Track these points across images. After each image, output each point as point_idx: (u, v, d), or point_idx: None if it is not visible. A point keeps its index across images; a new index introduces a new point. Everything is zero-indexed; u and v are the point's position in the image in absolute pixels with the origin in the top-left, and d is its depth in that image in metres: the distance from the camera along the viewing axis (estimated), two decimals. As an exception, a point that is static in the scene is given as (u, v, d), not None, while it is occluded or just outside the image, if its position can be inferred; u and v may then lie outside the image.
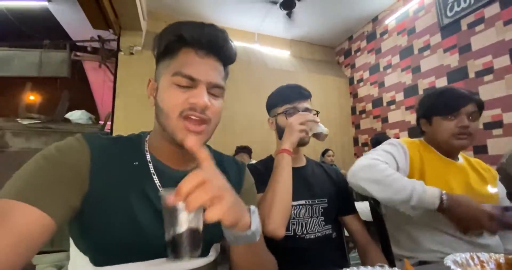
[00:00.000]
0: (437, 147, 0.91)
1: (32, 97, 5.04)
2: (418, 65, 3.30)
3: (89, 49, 4.01)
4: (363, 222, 0.89)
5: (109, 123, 3.38)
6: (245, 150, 3.24)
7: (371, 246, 0.83)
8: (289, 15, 3.53)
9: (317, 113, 0.91)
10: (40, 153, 0.44)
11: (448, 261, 0.38)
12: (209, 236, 0.54)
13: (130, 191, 0.47)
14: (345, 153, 4.26)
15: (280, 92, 0.93)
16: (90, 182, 0.45)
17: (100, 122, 4.02)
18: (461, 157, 0.94)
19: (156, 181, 0.50)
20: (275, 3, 3.43)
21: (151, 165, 0.51)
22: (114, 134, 3.24)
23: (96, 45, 3.83)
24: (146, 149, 0.53)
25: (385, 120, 3.77)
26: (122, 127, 3.28)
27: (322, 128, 0.82)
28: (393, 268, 0.37)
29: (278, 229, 0.67)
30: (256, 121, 3.67)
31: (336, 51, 4.95)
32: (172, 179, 0.51)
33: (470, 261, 0.40)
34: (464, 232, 0.66)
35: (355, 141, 4.39)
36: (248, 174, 0.67)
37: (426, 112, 0.92)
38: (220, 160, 0.63)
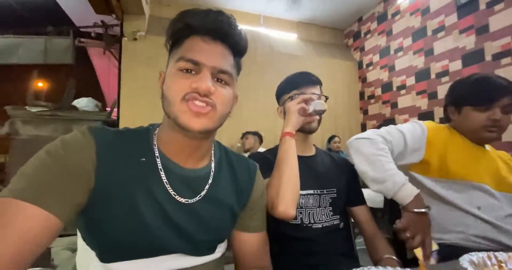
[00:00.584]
0: (465, 134, 0.87)
1: (40, 84, 5.06)
2: (431, 47, 3.15)
3: (93, 35, 3.96)
4: (370, 213, 0.88)
5: (115, 110, 3.39)
6: (255, 134, 3.25)
7: (378, 237, 0.82)
8: None
9: (326, 98, 0.89)
10: (44, 149, 0.43)
11: (464, 261, 0.36)
12: (215, 235, 0.54)
13: (136, 188, 0.46)
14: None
15: (288, 79, 0.92)
16: (95, 178, 0.44)
17: (106, 109, 4.05)
18: (487, 146, 0.91)
19: (164, 178, 0.49)
20: None
21: (159, 161, 0.50)
22: (120, 122, 3.27)
23: (100, 31, 3.78)
24: (154, 143, 0.52)
25: (394, 105, 3.67)
26: (129, 115, 3.29)
27: (319, 104, 0.81)
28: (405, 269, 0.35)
29: (289, 209, 0.66)
30: (263, 107, 3.63)
31: (345, 34, 4.76)
32: (179, 177, 0.50)
33: (487, 261, 0.38)
34: (402, 235, 0.65)
35: (363, 127, 4.32)
36: (260, 180, 0.65)
37: (456, 100, 0.88)
38: (230, 159, 0.61)
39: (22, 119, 3.32)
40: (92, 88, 4.43)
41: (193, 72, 0.47)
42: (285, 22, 4.36)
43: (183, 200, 0.50)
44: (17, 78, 3.92)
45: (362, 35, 4.33)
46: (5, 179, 3.18)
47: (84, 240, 0.49)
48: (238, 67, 0.55)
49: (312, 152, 0.93)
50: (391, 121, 3.49)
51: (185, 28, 0.49)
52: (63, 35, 3.63)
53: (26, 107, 3.39)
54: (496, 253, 0.40)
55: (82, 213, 0.44)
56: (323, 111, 0.84)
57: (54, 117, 3.36)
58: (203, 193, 0.52)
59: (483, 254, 0.39)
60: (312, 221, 0.80)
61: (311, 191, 0.83)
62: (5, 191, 0.38)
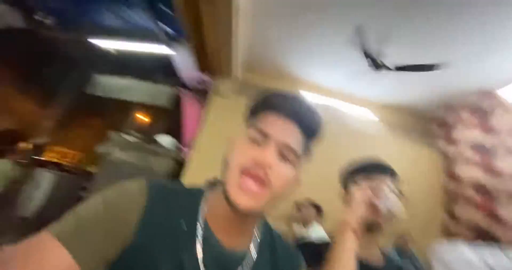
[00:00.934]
0: None
1: (138, 119, 6.08)
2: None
3: (190, 86, 4.72)
4: None
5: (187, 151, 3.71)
6: (316, 207, 2.89)
7: None
8: (376, 66, 3.12)
9: (400, 193, 0.75)
10: (103, 194, 0.46)
11: None
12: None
13: (166, 256, 0.44)
14: (428, 242, 3.43)
15: (357, 163, 0.84)
16: (134, 235, 0.44)
17: (182, 149, 4.50)
18: None
19: (199, 253, 0.46)
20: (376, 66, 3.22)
21: (200, 234, 0.48)
22: (189, 165, 3.53)
23: (197, 84, 4.48)
24: (201, 212, 0.50)
25: (493, 216, 2.94)
26: (198, 160, 3.53)
27: (392, 202, 0.67)
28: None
29: None
30: (326, 186, 3.40)
31: (432, 120, 4.41)
32: (215, 256, 0.48)
33: None
34: None
35: (447, 230, 3.53)
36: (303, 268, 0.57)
37: None
38: (273, 245, 0.55)
39: (117, 143, 3.92)
40: (177, 131, 5.08)
41: (260, 144, 0.49)
42: (365, 102, 4.32)
43: None
44: (124, 111, 4.86)
45: (453, 125, 3.92)
46: (90, 190, 3.65)
47: None
48: (307, 150, 0.54)
49: (377, 258, 0.73)
50: (490, 237, 2.75)
51: (264, 104, 0.54)
52: (169, 83, 4.43)
53: (122, 134, 4.04)
54: None
55: (110, 265, 0.43)
56: (395, 216, 0.69)
57: (138, 146, 3.88)
58: None
59: None
60: None
61: None
62: (54, 227, 0.40)
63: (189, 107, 5.16)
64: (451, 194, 3.60)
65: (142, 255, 0.43)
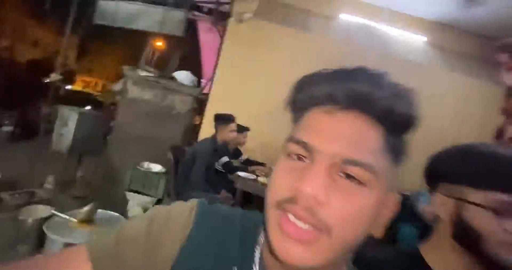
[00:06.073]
0: None
1: (152, 51, 5.70)
2: None
3: (205, 9, 4.07)
4: None
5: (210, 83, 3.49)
6: None
7: None
8: None
9: None
10: (152, 213, 0.40)
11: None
12: None
13: None
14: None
15: None
16: (172, 264, 0.36)
17: (202, 81, 4.25)
18: None
19: None
20: None
21: None
22: (210, 101, 3.34)
23: (212, 6, 3.84)
24: (257, 249, 0.38)
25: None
26: (221, 95, 3.32)
27: None
28: None
29: None
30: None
31: (498, 46, 3.59)
32: None
33: None
34: None
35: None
36: None
37: None
38: None
39: (133, 80, 3.74)
40: (194, 62, 4.70)
41: (304, 160, 0.31)
42: (413, 20, 3.51)
43: None
44: (134, 42, 4.45)
45: (525, 50, 3.17)
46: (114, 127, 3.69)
47: None
48: (397, 152, 0.32)
49: None
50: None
51: (305, 100, 0.35)
52: (181, 7, 3.82)
53: (138, 69, 3.80)
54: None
55: None
56: None
57: (155, 83, 3.70)
58: None
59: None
60: None
61: None
62: (95, 239, 0.38)
63: (206, 34, 4.62)
64: (505, 136, 3.18)
65: None
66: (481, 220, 0.47)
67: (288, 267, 0.30)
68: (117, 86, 3.86)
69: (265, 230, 0.33)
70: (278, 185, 0.32)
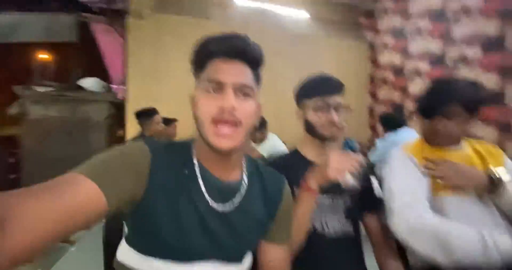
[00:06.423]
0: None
1: (45, 63, 5.00)
2: (450, 31, 3.00)
3: (94, 10, 3.80)
4: (381, 222, 0.88)
5: (122, 87, 3.37)
6: (264, 124, 2.80)
7: (385, 250, 0.84)
8: None
9: (350, 111, 0.87)
10: (114, 149, 0.51)
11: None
12: (245, 244, 0.60)
13: (180, 197, 0.52)
14: (360, 124, 4.19)
15: (310, 83, 0.88)
16: (147, 184, 0.50)
17: (112, 85, 4.00)
18: (465, 144, 0.90)
19: (203, 188, 0.54)
20: None
21: (199, 174, 0.56)
22: (128, 104, 3.26)
23: (104, 5, 3.62)
24: (194, 157, 0.57)
25: (405, 91, 3.59)
26: (137, 97, 3.27)
27: (352, 183, 0.70)
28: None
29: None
30: (271, 91, 3.57)
31: (359, 11, 4.51)
32: (216, 188, 0.56)
33: None
34: None
35: (371, 111, 4.27)
36: (288, 192, 0.68)
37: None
38: (260, 173, 0.65)
39: (31, 99, 3.32)
40: (97, 66, 4.36)
41: (217, 92, 0.52)
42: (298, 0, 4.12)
43: (219, 209, 0.55)
44: (21, 56, 3.85)
45: (377, 14, 4.11)
46: (20, 156, 3.24)
47: (128, 238, 0.57)
48: (258, 78, 0.59)
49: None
50: (400, 107, 3.43)
51: (206, 54, 0.55)
52: (68, 11, 3.50)
53: (34, 86, 3.38)
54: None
55: (130, 214, 0.51)
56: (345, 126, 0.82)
57: (61, 97, 3.37)
58: (237, 204, 0.58)
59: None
60: (326, 228, 0.83)
61: (325, 196, 0.83)
62: (76, 169, 0.43)
63: (104, 36, 4.31)
64: (375, 80, 4.18)
65: (159, 199, 0.50)
66: (311, 116, 0.84)
67: (220, 153, 0.54)
68: (13, 110, 3.36)
69: (202, 137, 0.54)
70: (207, 108, 0.51)
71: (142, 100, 3.20)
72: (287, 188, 0.68)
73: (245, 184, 0.60)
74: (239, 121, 0.52)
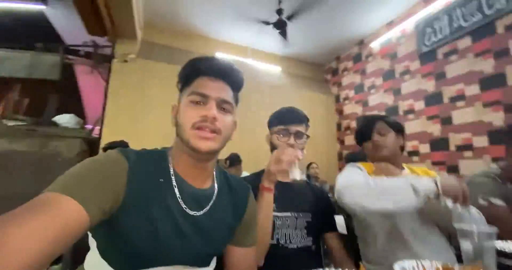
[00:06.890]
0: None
1: (21, 98, 4.93)
2: (399, 87, 3.53)
3: (81, 53, 4.00)
4: (342, 241, 0.97)
5: (97, 127, 3.37)
6: (239, 161, 3.12)
7: (346, 265, 0.90)
8: (283, 35, 3.62)
9: (307, 137, 0.98)
10: (90, 158, 0.51)
11: (396, 266, 0.47)
12: (214, 247, 0.62)
13: (155, 206, 0.53)
14: (330, 167, 4.41)
15: (278, 113, 1.03)
16: (125, 192, 0.50)
17: (86, 126, 3.98)
18: (406, 168, 1.05)
19: (178, 195, 0.57)
20: (268, 23, 3.57)
21: (174, 181, 0.58)
22: (102, 142, 3.24)
23: (90, 50, 3.84)
24: (170, 165, 0.60)
25: (367, 137, 3.95)
26: (111, 134, 3.27)
27: (298, 174, 0.78)
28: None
29: (258, 261, 0.76)
30: (245, 131, 3.77)
31: (325, 69, 5.18)
32: (191, 196, 0.59)
33: (416, 268, 0.49)
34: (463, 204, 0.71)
35: (340, 155, 4.55)
36: (252, 199, 0.74)
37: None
38: (229, 181, 0.71)
39: (2, 134, 3.18)
40: (74, 105, 4.37)
41: (201, 104, 0.59)
42: (270, 56, 4.71)
43: (191, 212, 0.58)
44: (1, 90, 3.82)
45: (340, 72, 4.75)
46: None
47: (99, 249, 0.55)
48: (237, 99, 0.67)
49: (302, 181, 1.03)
50: (354, 154, 3.72)
51: (195, 71, 0.62)
52: (52, 52, 3.66)
53: (4, 120, 3.29)
54: (423, 261, 0.51)
55: (105, 223, 0.48)
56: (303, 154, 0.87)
57: (31, 132, 3.26)
58: (207, 208, 0.61)
59: (412, 262, 0.50)
60: (288, 242, 0.89)
61: (288, 214, 0.92)
62: (50, 187, 0.43)
63: (85, 77, 4.44)
64: (341, 127, 4.59)
65: (135, 205, 0.51)
66: (275, 140, 0.98)
67: (201, 157, 0.59)
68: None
69: (183, 141, 0.57)
70: (191, 115, 0.57)
71: (116, 138, 3.21)
72: (251, 195, 0.74)
73: (216, 191, 0.65)
74: (218, 129, 0.58)
